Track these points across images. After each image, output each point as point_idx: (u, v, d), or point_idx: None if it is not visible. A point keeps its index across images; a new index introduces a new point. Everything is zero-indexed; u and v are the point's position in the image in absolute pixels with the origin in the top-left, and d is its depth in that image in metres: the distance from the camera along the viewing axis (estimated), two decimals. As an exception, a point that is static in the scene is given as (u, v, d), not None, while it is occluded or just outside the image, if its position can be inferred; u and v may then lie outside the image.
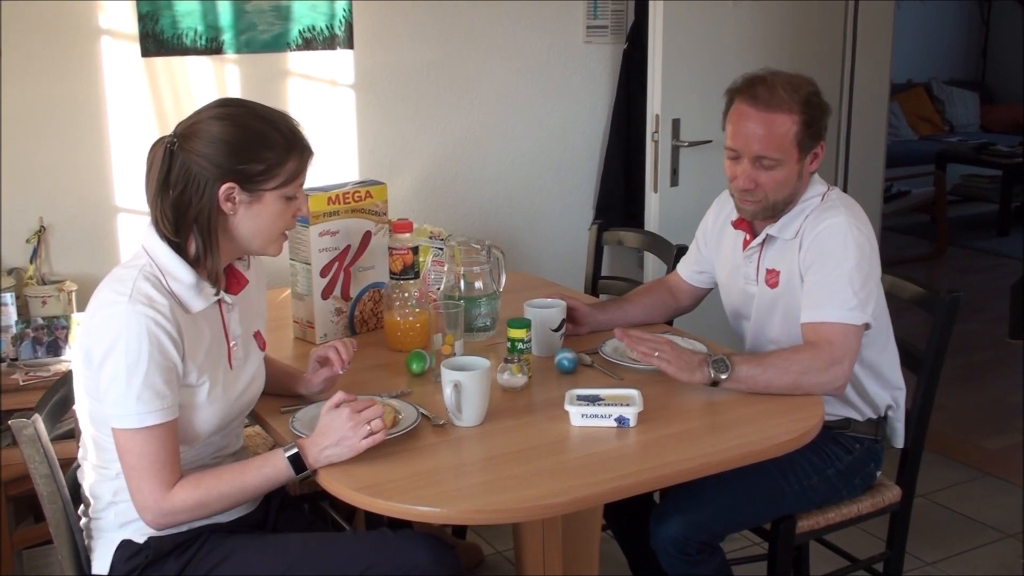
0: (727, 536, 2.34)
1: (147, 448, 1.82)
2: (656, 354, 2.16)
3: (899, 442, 2.54)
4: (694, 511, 2.25)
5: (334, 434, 1.88)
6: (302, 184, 1.99)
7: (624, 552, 2.76)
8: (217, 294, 1.94)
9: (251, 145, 1.88)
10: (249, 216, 1.92)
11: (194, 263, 1.91)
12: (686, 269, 2.72)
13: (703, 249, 2.66)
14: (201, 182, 1.87)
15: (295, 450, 1.88)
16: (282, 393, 2.25)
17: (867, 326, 2.28)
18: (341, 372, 2.18)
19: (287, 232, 2.02)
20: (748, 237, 2.45)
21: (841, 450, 2.42)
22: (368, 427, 1.88)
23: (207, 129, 1.88)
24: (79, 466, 2.05)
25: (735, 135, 2.31)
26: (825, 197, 2.36)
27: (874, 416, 2.47)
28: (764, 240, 2.40)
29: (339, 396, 1.92)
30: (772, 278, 2.39)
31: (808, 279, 2.31)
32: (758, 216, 2.39)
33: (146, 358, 1.80)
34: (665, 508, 2.29)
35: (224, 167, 1.87)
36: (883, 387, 2.46)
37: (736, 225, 2.47)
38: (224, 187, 1.87)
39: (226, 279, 2.04)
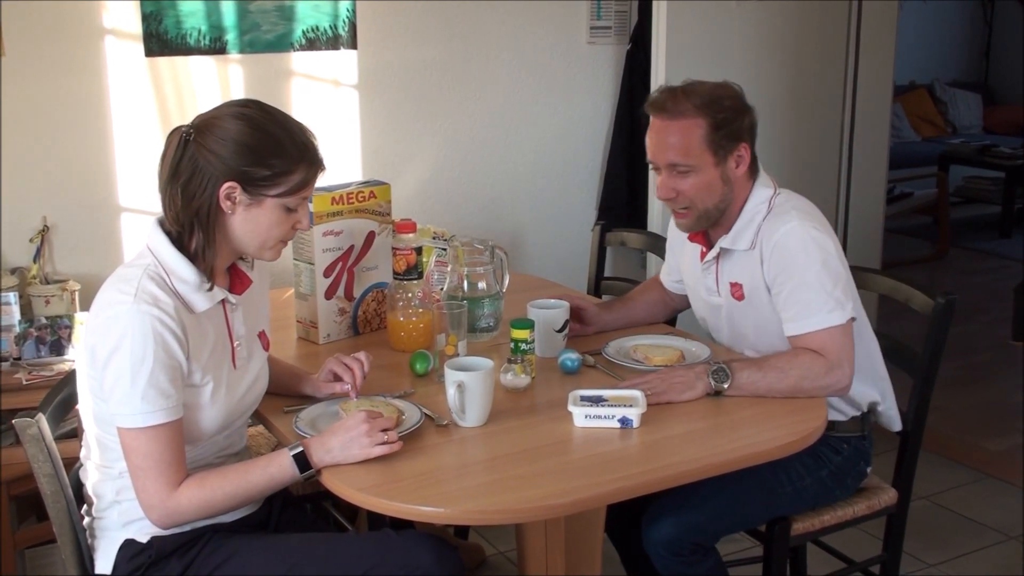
0: (721, 538, 2.34)
1: (152, 447, 1.82)
2: (649, 393, 2.15)
3: (897, 426, 2.52)
4: (686, 512, 2.24)
5: (344, 435, 1.88)
6: (306, 198, 1.98)
7: (620, 555, 2.75)
8: (211, 289, 1.93)
9: (262, 149, 1.88)
10: (247, 219, 1.92)
11: (194, 258, 1.92)
12: (666, 278, 2.74)
13: (671, 258, 2.68)
14: (205, 177, 1.87)
15: (300, 449, 1.88)
16: (286, 393, 2.25)
17: (852, 319, 2.28)
18: (354, 399, 2.13)
19: (287, 240, 2.01)
20: (704, 250, 2.45)
21: (830, 451, 2.42)
22: (384, 435, 1.89)
23: (224, 126, 1.88)
24: (82, 465, 2.05)
25: (649, 148, 2.36)
26: (772, 202, 2.35)
27: (857, 413, 2.47)
28: (719, 253, 2.40)
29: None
30: (737, 291, 2.39)
31: (778, 291, 2.30)
32: (694, 228, 2.40)
33: (151, 357, 1.80)
34: (656, 510, 2.28)
35: (230, 166, 1.87)
36: (864, 382, 2.43)
37: (691, 239, 2.47)
38: (226, 186, 1.88)
39: (230, 279, 2.04)
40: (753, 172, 2.37)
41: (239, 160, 1.87)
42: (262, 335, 2.14)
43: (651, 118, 2.35)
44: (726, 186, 2.32)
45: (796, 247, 2.26)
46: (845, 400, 2.43)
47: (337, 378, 2.20)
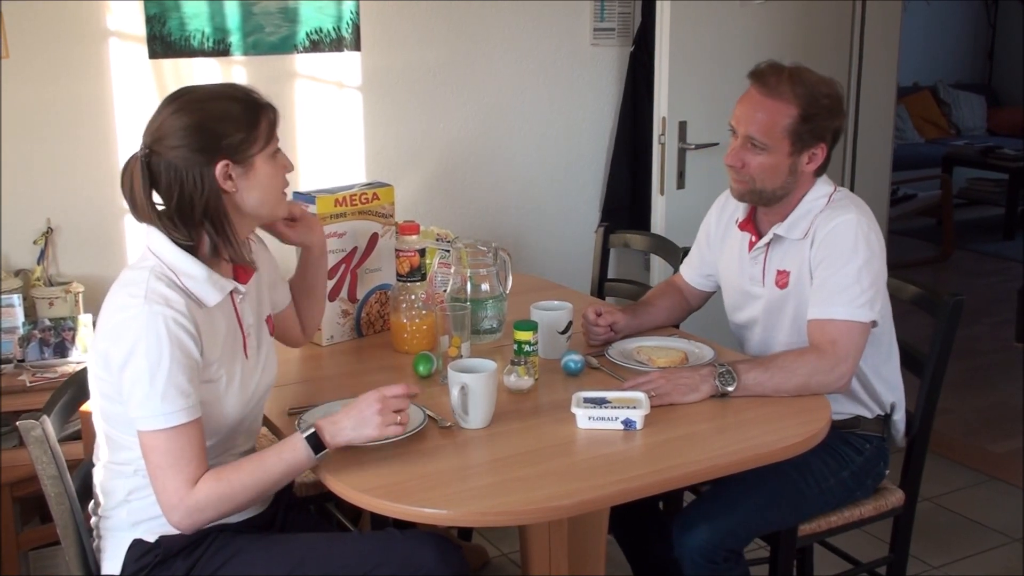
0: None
1: (173, 446, 1.81)
2: (653, 394, 2.15)
3: (901, 440, 2.55)
4: (720, 518, 2.24)
5: (357, 414, 1.87)
6: (277, 140, 1.99)
7: (627, 558, 2.75)
8: (231, 267, 1.96)
9: (219, 121, 1.89)
10: (249, 187, 1.93)
11: (210, 258, 1.93)
12: (691, 273, 2.72)
13: (706, 252, 2.67)
14: (195, 173, 1.87)
15: (312, 430, 1.87)
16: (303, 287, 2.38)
17: (874, 324, 2.29)
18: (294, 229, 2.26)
19: (287, 189, 2.04)
20: (754, 238, 2.45)
21: (852, 451, 2.43)
22: (396, 416, 1.88)
23: (171, 124, 1.88)
24: (93, 465, 2.04)
25: (736, 113, 2.38)
26: (832, 197, 2.37)
27: (882, 413, 2.47)
28: (771, 240, 2.40)
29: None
30: (782, 279, 2.40)
31: (817, 276, 2.32)
32: (745, 199, 2.42)
33: (168, 357, 1.79)
34: (691, 517, 2.28)
35: (209, 148, 1.87)
36: (887, 386, 2.47)
37: (742, 227, 2.48)
38: (219, 167, 1.88)
39: (234, 270, 2.04)
40: (820, 171, 2.39)
41: (210, 140, 1.87)
42: (268, 319, 2.15)
43: (749, 86, 2.36)
44: (791, 176, 2.34)
45: (849, 237, 2.29)
46: (872, 398, 2.45)
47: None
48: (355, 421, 1.87)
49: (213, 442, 1.96)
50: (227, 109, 1.90)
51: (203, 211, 1.89)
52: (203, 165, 1.87)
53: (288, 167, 2.01)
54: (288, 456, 1.87)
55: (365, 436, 1.87)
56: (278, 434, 2.14)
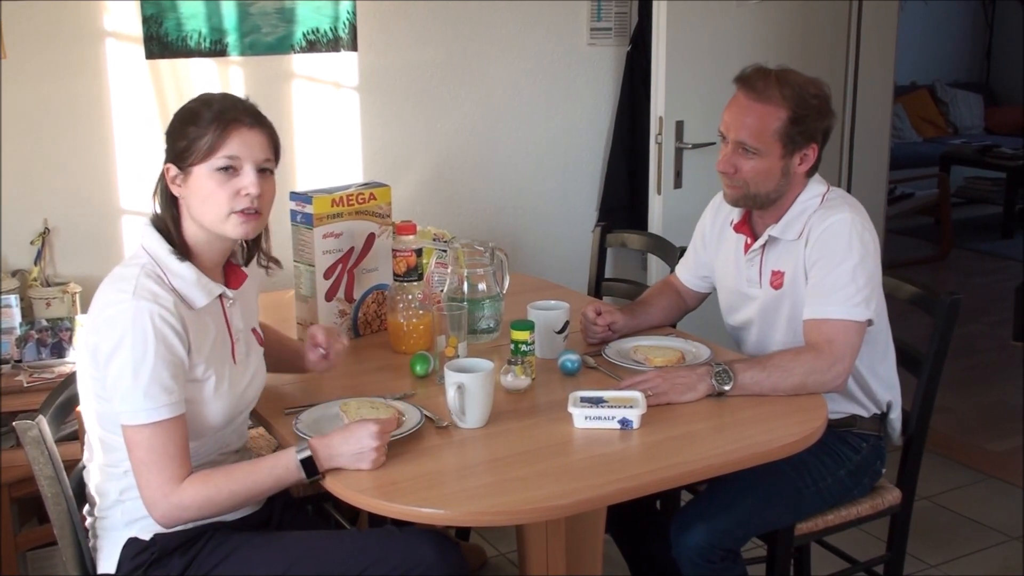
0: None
1: (155, 442, 1.82)
2: (650, 393, 2.16)
3: (897, 438, 2.55)
4: (718, 518, 2.25)
5: (355, 445, 1.87)
6: (235, 157, 1.92)
7: (625, 558, 2.76)
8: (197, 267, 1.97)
9: (182, 123, 1.94)
10: (189, 194, 1.95)
11: (201, 261, 1.96)
12: (687, 275, 2.72)
13: (701, 253, 2.67)
14: (164, 168, 1.97)
15: (308, 453, 1.87)
16: (286, 370, 2.32)
17: (870, 322, 2.29)
18: (325, 363, 2.29)
19: (243, 211, 1.93)
20: (749, 240, 2.45)
21: (849, 450, 2.43)
22: (384, 450, 1.90)
23: None
24: (84, 467, 2.05)
25: (725, 119, 2.37)
26: (825, 197, 2.37)
27: (878, 412, 2.48)
28: (766, 242, 2.40)
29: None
30: (777, 279, 2.40)
31: (812, 275, 2.32)
32: (739, 204, 2.41)
33: (152, 353, 1.81)
34: (688, 517, 2.29)
35: (167, 150, 1.96)
36: (883, 385, 2.47)
37: (737, 229, 2.48)
38: (166, 167, 1.95)
39: (225, 274, 2.05)
40: (812, 172, 2.39)
41: (167, 142, 1.96)
42: (255, 331, 2.16)
43: (736, 91, 2.35)
44: (783, 178, 2.34)
45: (842, 236, 2.29)
46: (868, 397, 2.45)
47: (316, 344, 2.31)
48: (353, 452, 1.87)
49: (201, 442, 1.96)
50: (195, 114, 1.95)
51: (162, 203, 1.98)
52: (166, 162, 1.96)
53: (246, 191, 1.92)
54: (280, 473, 1.89)
55: (361, 468, 1.88)
56: (274, 433, 2.15)
